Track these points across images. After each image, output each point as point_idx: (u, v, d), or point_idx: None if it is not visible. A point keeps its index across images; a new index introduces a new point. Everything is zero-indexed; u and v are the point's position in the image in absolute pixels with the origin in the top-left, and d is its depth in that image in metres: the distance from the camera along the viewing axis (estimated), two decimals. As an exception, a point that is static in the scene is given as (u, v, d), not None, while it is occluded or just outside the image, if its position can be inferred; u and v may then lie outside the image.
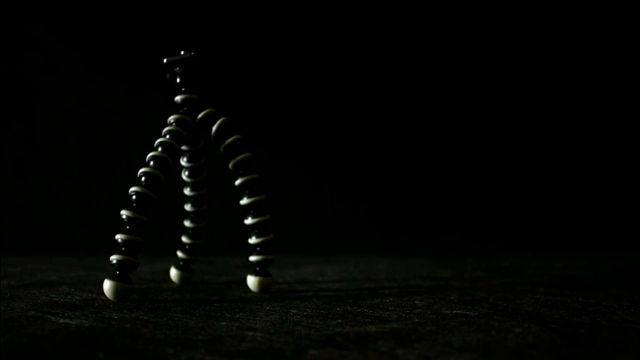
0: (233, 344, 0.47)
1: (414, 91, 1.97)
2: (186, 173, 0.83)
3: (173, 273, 0.86)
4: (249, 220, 0.76)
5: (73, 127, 1.71)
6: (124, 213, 0.68)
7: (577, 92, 2.02)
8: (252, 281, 0.77)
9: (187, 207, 0.85)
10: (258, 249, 0.77)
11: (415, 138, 1.95)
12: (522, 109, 2.02)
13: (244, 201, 0.76)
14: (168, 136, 0.73)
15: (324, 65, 1.90)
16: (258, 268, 0.77)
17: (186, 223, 0.86)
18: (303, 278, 0.96)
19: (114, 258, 0.67)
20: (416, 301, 0.70)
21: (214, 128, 0.76)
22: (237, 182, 0.76)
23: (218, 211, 1.77)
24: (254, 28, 1.84)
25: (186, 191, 0.84)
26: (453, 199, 1.94)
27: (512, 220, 1.92)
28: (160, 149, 0.72)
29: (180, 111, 0.76)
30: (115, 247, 0.68)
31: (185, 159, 0.82)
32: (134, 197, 0.68)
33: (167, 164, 0.71)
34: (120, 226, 0.68)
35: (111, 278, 0.67)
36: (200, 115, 0.76)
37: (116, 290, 0.66)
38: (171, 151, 0.71)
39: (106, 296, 0.68)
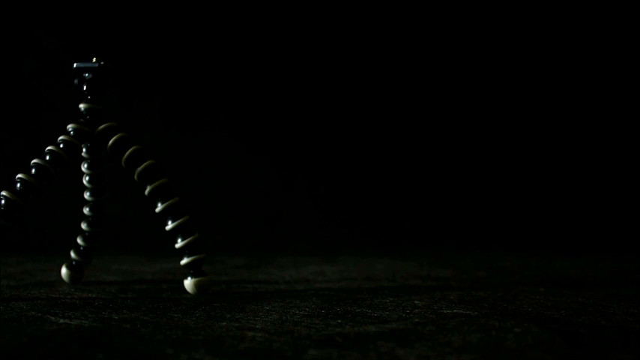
0: (233, 344, 0.47)
1: (415, 91, 1.97)
2: (87, 179, 0.82)
3: (63, 272, 0.84)
4: (169, 226, 0.75)
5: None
6: None
7: (577, 92, 2.02)
8: (188, 284, 0.75)
9: (86, 211, 0.84)
10: (187, 251, 0.75)
11: (415, 138, 1.95)
12: (522, 109, 2.02)
13: (159, 208, 0.75)
14: (60, 145, 0.73)
15: (324, 65, 1.90)
16: (192, 271, 0.75)
17: (83, 226, 0.85)
18: (303, 278, 0.96)
19: None
20: (416, 301, 0.70)
21: (109, 143, 0.75)
22: (146, 191, 0.76)
23: (218, 211, 1.78)
24: (253, 28, 1.84)
25: (86, 196, 0.83)
26: (453, 199, 1.94)
27: (512, 220, 1.92)
28: (46, 157, 0.71)
29: (81, 120, 0.75)
30: None
31: (85, 165, 0.81)
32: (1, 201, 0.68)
33: (47, 173, 0.70)
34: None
35: None
36: (100, 128, 0.76)
37: None
38: (56, 161, 0.71)
39: (105, 296, 0.68)
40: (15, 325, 0.53)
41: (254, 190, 1.80)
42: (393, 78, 1.95)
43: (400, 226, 1.87)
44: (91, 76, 0.75)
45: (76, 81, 0.76)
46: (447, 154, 1.97)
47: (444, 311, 0.63)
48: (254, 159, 1.82)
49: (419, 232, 1.86)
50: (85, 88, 0.76)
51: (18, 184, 0.69)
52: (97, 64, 0.75)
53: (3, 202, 0.68)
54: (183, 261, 0.75)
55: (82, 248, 0.84)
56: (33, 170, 0.70)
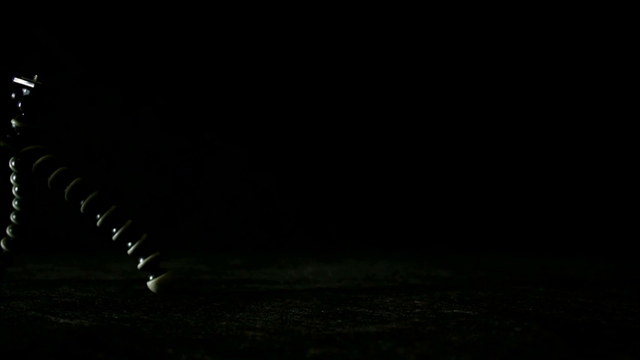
0: (233, 344, 0.47)
1: (415, 90, 1.97)
2: (15, 189, 0.81)
3: None
4: (115, 235, 0.74)
5: (73, 127, 1.71)
6: None
7: (577, 92, 2.02)
8: (151, 284, 0.75)
9: (12, 218, 0.83)
10: (140, 254, 0.75)
11: (415, 138, 1.95)
12: (523, 109, 2.02)
13: (99, 222, 0.74)
14: None
15: (324, 65, 1.90)
16: (151, 271, 0.75)
17: (8, 232, 0.84)
18: (303, 278, 0.96)
19: None
20: (416, 301, 0.70)
21: (34, 165, 0.75)
22: (81, 209, 0.75)
23: (218, 211, 1.78)
24: (252, 29, 1.85)
25: (14, 204, 0.82)
26: (453, 199, 1.94)
27: (512, 220, 1.92)
28: None
29: (8, 136, 0.74)
30: None
31: (14, 177, 0.80)
32: None
33: None
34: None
35: None
36: (26, 149, 0.75)
37: None
38: None
39: (105, 296, 0.68)
40: (15, 325, 0.53)
41: (254, 190, 1.80)
42: (394, 78, 1.95)
43: (400, 226, 1.87)
44: (28, 93, 0.74)
45: (13, 95, 0.76)
46: (447, 154, 1.97)
47: (444, 311, 0.63)
48: (254, 159, 1.82)
49: (419, 232, 1.86)
50: (20, 104, 0.75)
51: None
52: (34, 83, 0.75)
53: None
54: (139, 264, 0.75)
55: (3, 251, 0.82)
56: None
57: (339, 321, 0.57)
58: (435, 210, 1.92)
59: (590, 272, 1.14)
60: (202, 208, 1.74)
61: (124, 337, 0.49)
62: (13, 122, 0.76)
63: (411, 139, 1.95)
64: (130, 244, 0.75)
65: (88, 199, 0.75)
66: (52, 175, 0.75)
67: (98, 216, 0.75)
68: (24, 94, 0.75)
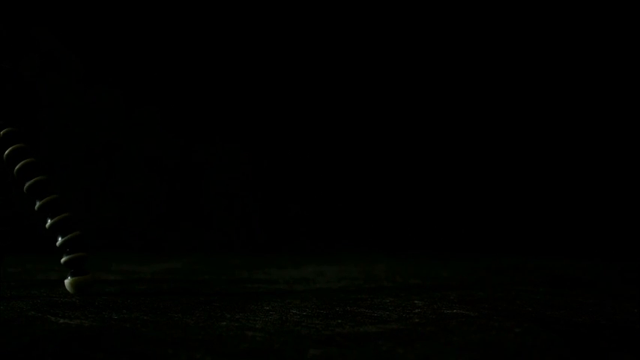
0: (233, 344, 0.47)
1: (414, 92, 1.97)
2: None
3: None
4: (48, 223, 0.73)
5: (73, 127, 1.71)
6: None
7: (577, 92, 2.02)
8: (67, 283, 0.73)
9: None
10: (68, 249, 0.73)
11: (416, 137, 1.95)
12: (523, 110, 2.02)
13: (36, 205, 0.73)
14: None
15: (325, 64, 1.90)
16: (72, 270, 0.73)
17: None
18: (303, 278, 0.96)
19: None
20: (416, 301, 0.70)
21: (6, 153, 0.74)
22: (24, 188, 0.74)
23: (218, 211, 1.78)
24: (252, 29, 1.84)
25: None
26: (454, 199, 1.94)
27: (512, 220, 1.92)
28: None
29: None
30: None
31: None
32: None
33: None
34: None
35: None
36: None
37: None
38: None
39: (105, 296, 0.68)
40: (15, 325, 0.53)
41: (254, 191, 1.80)
42: (394, 80, 1.95)
43: (400, 226, 1.87)
44: None
45: None
46: (447, 154, 1.97)
47: (444, 311, 0.63)
48: (254, 159, 1.82)
49: (419, 232, 1.86)
50: None
51: None
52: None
53: None
54: (63, 259, 0.73)
55: None
56: None
57: (339, 321, 0.57)
58: (435, 211, 1.92)
59: (590, 272, 1.14)
60: (202, 208, 1.74)
61: (124, 337, 0.49)
62: None
63: (412, 141, 1.95)
64: (60, 237, 0.73)
65: (31, 182, 0.73)
66: (6, 152, 0.73)
67: (37, 201, 0.73)
68: None
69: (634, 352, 0.47)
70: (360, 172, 1.91)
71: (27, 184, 0.73)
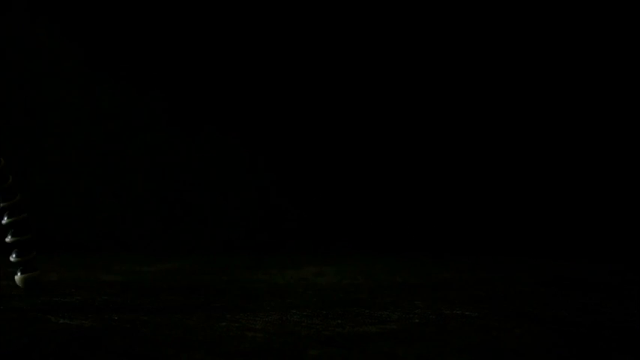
0: (233, 344, 0.47)
1: (412, 91, 1.96)
2: None
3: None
4: (4, 220, 0.73)
5: (73, 127, 1.71)
6: None
7: (577, 92, 2.02)
8: (17, 280, 0.74)
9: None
10: (16, 249, 0.73)
11: (416, 137, 1.95)
12: (523, 110, 2.01)
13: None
14: None
15: (325, 63, 1.90)
16: (21, 267, 0.74)
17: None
18: (303, 278, 0.96)
19: None
20: (416, 301, 0.70)
21: None
22: None
23: (218, 211, 1.78)
24: (252, 27, 1.84)
25: None
26: (454, 199, 1.94)
27: (512, 220, 1.92)
28: None
29: None
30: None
31: None
32: None
33: None
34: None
35: None
36: None
37: None
38: None
39: (105, 296, 0.68)
40: (15, 325, 0.53)
41: (254, 190, 1.80)
42: (393, 79, 1.95)
43: (400, 226, 1.87)
44: None
45: None
46: (447, 154, 1.97)
47: (444, 312, 0.63)
48: (254, 158, 1.82)
49: (419, 232, 1.86)
50: None
51: None
52: None
53: None
54: (12, 257, 0.73)
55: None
56: None
57: (339, 321, 0.57)
58: (435, 211, 1.92)
59: (591, 272, 1.14)
60: (202, 208, 1.74)
61: (123, 337, 0.49)
62: None
63: (412, 141, 1.95)
64: (10, 236, 0.73)
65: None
66: None
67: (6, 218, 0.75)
68: None
69: (634, 352, 0.47)
70: (361, 172, 1.91)
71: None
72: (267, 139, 1.84)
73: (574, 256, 1.51)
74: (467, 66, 2.00)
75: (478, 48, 2.00)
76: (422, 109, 1.97)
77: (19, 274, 0.73)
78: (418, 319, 0.58)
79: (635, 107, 2.01)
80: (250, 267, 1.15)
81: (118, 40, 1.74)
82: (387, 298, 0.72)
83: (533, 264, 1.30)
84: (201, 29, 1.81)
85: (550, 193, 2.00)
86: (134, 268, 1.10)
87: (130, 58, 1.75)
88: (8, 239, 0.73)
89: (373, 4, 1.94)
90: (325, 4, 1.90)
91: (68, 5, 1.73)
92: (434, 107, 1.98)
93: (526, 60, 2.02)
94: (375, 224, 1.88)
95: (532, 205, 1.98)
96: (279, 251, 1.59)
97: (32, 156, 1.71)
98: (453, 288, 0.84)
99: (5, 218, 0.73)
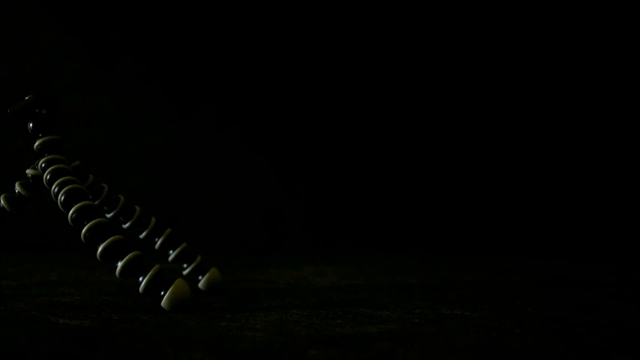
0: (233, 344, 0.47)
1: (413, 92, 1.97)
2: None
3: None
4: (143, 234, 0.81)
5: (73, 127, 1.71)
6: None
7: (576, 95, 2.02)
8: (200, 284, 0.81)
9: None
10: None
11: (416, 137, 1.95)
12: (523, 111, 2.01)
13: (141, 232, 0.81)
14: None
15: (324, 63, 1.90)
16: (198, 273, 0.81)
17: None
18: (303, 278, 0.96)
19: None
20: (416, 301, 0.70)
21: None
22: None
23: (218, 211, 1.78)
24: (252, 26, 1.85)
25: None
26: (454, 199, 1.94)
27: (512, 221, 1.92)
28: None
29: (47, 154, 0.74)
30: None
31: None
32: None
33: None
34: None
35: None
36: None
37: None
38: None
39: (105, 296, 0.68)
40: (15, 325, 0.53)
41: (254, 190, 1.80)
42: (394, 80, 1.95)
43: (400, 226, 1.87)
44: (47, 110, 0.74)
45: (30, 125, 0.74)
46: (447, 154, 1.97)
47: (444, 312, 0.63)
48: (254, 158, 1.82)
49: (419, 232, 1.86)
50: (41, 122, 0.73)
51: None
52: (50, 97, 0.73)
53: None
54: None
55: None
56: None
57: (339, 321, 0.57)
58: (435, 211, 1.92)
59: (591, 272, 1.14)
60: (202, 208, 1.74)
61: (124, 337, 0.49)
62: (45, 139, 0.78)
63: (413, 139, 1.95)
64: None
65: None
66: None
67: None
68: (44, 113, 0.76)
69: (634, 352, 0.47)
70: (361, 172, 1.91)
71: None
72: (267, 139, 1.84)
73: (574, 256, 1.51)
74: (469, 67, 2.00)
75: (478, 51, 2.00)
76: (424, 110, 1.98)
77: (200, 278, 0.81)
78: (418, 319, 0.58)
79: (633, 109, 2.01)
80: (250, 267, 1.15)
81: (118, 42, 1.74)
82: (387, 298, 0.72)
83: (533, 264, 1.30)
84: (205, 30, 1.81)
85: (550, 194, 2.00)
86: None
87: (129, 59, 1.75)
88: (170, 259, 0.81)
89: (376, 9, 1.94)
90: (331, 11, 1.90)
91: (68, 5, 1.73)
92: (436, 109, 1.98)
93: (527, 62, 2.02)
94: (375, 224, 1.88)
95: (532, 205, 1.98)
96: (279, 251, 1.59)
97: (32, 156, 1.71)
98: (453, 288, 0.84)
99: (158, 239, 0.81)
